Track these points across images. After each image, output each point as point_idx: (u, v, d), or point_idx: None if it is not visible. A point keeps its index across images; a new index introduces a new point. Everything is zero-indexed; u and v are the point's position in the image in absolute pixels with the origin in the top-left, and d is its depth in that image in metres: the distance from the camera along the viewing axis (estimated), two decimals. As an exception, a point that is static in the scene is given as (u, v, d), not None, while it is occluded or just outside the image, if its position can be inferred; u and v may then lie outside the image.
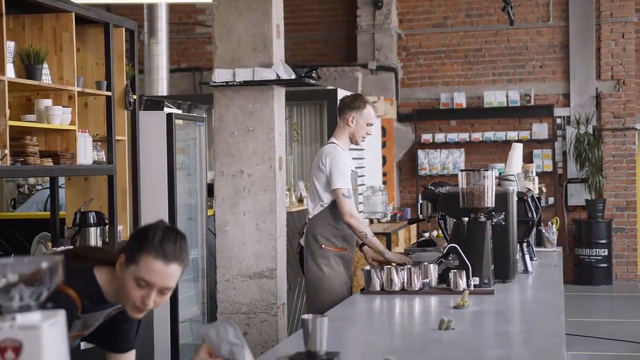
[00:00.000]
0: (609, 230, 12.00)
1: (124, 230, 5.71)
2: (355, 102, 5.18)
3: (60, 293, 2.48)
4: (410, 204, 12.44)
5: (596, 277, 11.89)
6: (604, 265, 11.93)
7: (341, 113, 5.20)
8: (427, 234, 10.54)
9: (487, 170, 4.30)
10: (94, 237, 5.26)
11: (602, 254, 11.89)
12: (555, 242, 6.24)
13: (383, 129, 12.04)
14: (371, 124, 5.21)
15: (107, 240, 5.47)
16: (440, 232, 5.77)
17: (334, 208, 5.08)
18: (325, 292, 5.05)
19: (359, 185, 6.14)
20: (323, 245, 5.09)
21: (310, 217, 5.20)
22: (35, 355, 1.67)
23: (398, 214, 10.52)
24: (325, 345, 2.67)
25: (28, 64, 4.68)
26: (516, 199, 4.58)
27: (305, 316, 2.66)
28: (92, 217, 5.28)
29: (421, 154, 12.59)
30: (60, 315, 1.74)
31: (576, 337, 8.37)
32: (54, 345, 1.70)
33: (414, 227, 10.76)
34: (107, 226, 5.44)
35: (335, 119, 5.34)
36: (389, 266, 4.20)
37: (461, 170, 4.34)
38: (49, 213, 5.69)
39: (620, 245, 12.23)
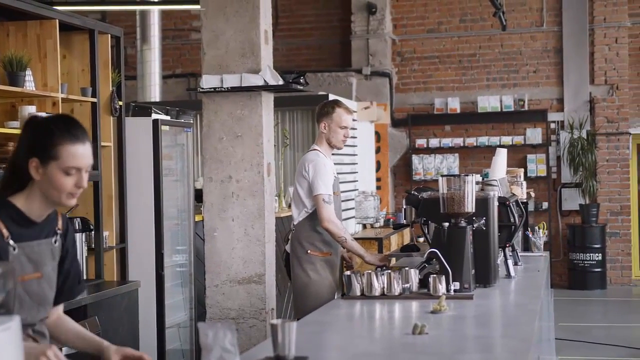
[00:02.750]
0: (603, 235, 12.00)
1: (109, 236, 5.73)
2: (324, 108, 5.28)
3: None
4: (404, 209, 12.43)
5: (590, 282, 11.89)
6: (598, 269, 11.93)
7: (316, 121, 5.34)
8: (422, 239, 10.53)
9: (468, 175, 4.31)
10: (80, 243, 5.27)
11: (596, 259, 11.89)
12: (542, 247, 6.23)
13: (377, 134, 12.07)
14: (345, 127, 5.25)
15: (92, 246, 5.49)
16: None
17: None
18: (313, 297, 5.08)
19: (342, 191, 6.19)
20: (309, 251, 5.15)
21: (295, 223, 5.26)
22: (-13, 361, 1.69)
23: (391, 219, 10.54)
24: (293, 350, 2.69)
25: (11, 71, 4.71)
26: (497, 204, 4.59)
27: (274, 321, 2.69)
28: (77, 223, 5.29)
29: (415, 159, 12.60)
30: (15, 321, 1.76)
31: (568, 342, 8.38)
32: (6, 350, 1.72)
33: (407, 232, 10.77)
34: (92, 232, 5.46)
35: (327, 124, 5.40)
36: (369, 271, 4.21)
37: (442, 176, 4.36)
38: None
39: (614, 249, 12.23)
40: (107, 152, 5.75)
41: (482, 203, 4.42)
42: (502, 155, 5.49)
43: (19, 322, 1.78)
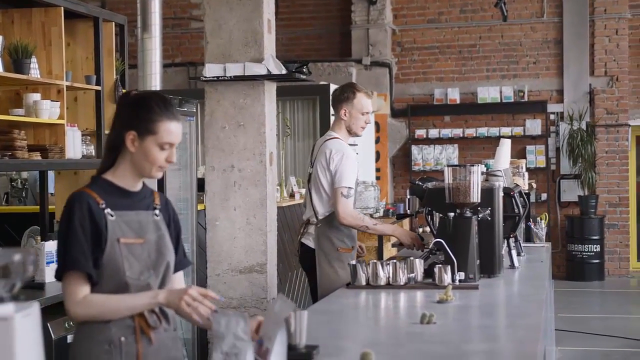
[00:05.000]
0: (602, 226, 12.03)
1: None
2: (344, 93, 5.07)
3: (74, 195, 2.75)
4: (403, 199, 12.44)
5: (588, 273, 11.93)
6: (596, 261, 11.96)
7: (334, 107, 5.12)
8: (421, 230, 10.54)
9: (473, 165, 4.31)
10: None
11: (595, 250, 11.93)
12: (544, 237, 6.24)
13: (377, 125, 12.07)
14: (366, 113, 5.07)
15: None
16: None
17: None
18: None
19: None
20: (339, 248, 5.01)
21: (320, 217, 5.06)
22: (8, 346, 1.69)
23: (391, 210, 10.54)
24: (304, 339, 2.69)
25: (16, 58, 4.70)
26: (502, 194, 4.60)
27: (285, 310, 2.68)
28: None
29: (415, 149, 12.61)
30: (34, 307, 1.76)
31: (566, 333, 8.41)
32: (26, 336, 1.72)
33: (406, 222, 10.79)
34: (96, 220, 5.45)
35: (328, 114, 5.32)
36: (374, 261, 4.22)
37: (447, 166, 4.35)
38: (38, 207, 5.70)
39: (612, 241, 12.26)
40: (111, 140, 5.73)
41: (488, 193, 4.42)
42: (506, 146, 5.49)
43: (39, 308, 1.79)
